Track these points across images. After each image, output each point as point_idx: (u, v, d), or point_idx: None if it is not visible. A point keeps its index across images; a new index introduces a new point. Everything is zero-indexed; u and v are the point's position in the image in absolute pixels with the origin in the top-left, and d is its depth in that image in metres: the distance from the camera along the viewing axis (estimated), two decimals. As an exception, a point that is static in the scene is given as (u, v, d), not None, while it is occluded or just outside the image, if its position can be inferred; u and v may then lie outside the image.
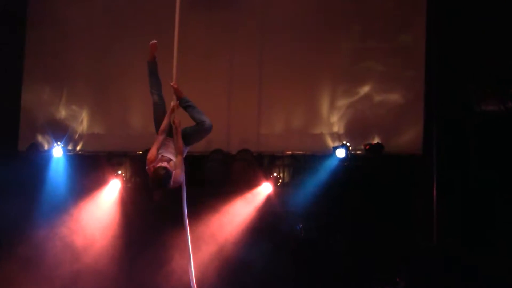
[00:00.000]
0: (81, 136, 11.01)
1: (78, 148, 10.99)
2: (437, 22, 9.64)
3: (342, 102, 10.45)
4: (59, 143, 10.73)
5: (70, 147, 10.93)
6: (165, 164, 6.80)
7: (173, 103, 7.06)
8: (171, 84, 7.06)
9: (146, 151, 10.40)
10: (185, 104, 7.13)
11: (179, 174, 6.92)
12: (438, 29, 9.67)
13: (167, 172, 6.74)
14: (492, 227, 9.23)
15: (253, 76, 10.55)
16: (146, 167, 6.83)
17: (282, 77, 10.54)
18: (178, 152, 7.02)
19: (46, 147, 11.02)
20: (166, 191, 7.27)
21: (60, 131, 10.94)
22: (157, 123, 7.13)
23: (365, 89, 10.39)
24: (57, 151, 10.64)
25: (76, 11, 11.02)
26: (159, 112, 7.20)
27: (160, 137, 7.02)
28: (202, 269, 9.52)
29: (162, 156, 6.97)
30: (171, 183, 6.82)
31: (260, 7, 10.62)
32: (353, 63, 10.42)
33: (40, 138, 11.13)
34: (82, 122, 11.04)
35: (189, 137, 7.13)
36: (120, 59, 10.78)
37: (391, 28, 10.26)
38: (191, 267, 7.24)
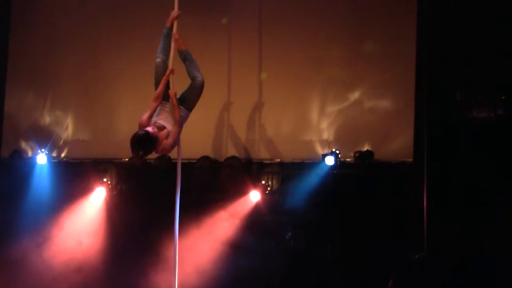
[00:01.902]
0: (66, 143, 11.03)
1: (62, 155, 11.01)
2: (428, 29, 9.71)
3: (332, 109, 10.50)
4: (43, 149, 10.75)
5: (54, 154, 10.96)
6: (150, 129, 6.93)
7: (170, 67, 7.29)
8: (173, 33, 7.30)
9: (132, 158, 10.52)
10: (184, 56, 7.35)
11: (169, 143, 7.09)
12: (429, 36, 9.74)
13: (147, 136, 6.88)
14: (483, 235, 9.27)
15: (242, 83, 10.62)
16: None
17: (271, 83, 10.60)
18: (174, 122, 7.17)
19: (29, 153, 11.05)
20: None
21: (44, 137, 10.97)
22: (157, 83, 7.31)
23: (355, 95, 10.45)
24: (41, 158, 10.65)
25: (62, 15, 11.08)
26: (159, 72, 7.38)
27: (154, 104, 7.17)
28: (187, 279, 9.53)
29: (155, 122, 7.12)
30: (157, 149, 7.02)
31: (252, 14, 10.67)
32: (343, 69, 10.48)
33: (23, 144, 11.15)
34: (67, 128, 11.06)
35: (186, 100, 7.31)
36: (106, 64, 10.83)
37: (382, 35, 10.33)
38: (175, 272, 7.35)
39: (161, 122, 7.18)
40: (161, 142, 7.07)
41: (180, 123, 7.25)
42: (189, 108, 7.40)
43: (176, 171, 7.69)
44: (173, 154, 10.04)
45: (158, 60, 7.45)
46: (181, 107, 7.30)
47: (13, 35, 11.27)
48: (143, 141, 6.92)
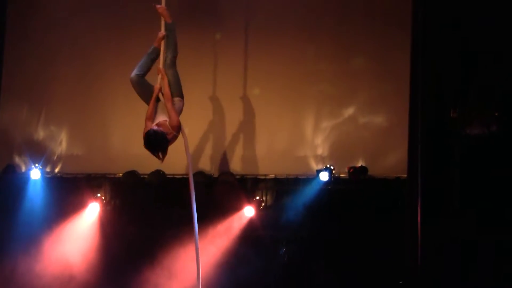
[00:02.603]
0: (59, 158, 11.04)
1: (56, 170, 11.01)
2: (422, 45, 9.77)
3: (326, 124, 10.57)
4: (37, 164, 10.76)
5: (48, 169, 10.96)
6: (154, 127, 7.25)
7: (157, 85, 7.50)
8: (158, 6, 7.56)
9: (127, 174, 10.60)
10: (169, 31, 7.57)
11: (173, 119, 7.33)
12: (423, 52, 9.80)
13: (154, 135, 7.22)
14: (476, 251, 9.32)
15: (236, 98, 10.67)
16: None
17: (265, 99, 10.67)
18: (166, 99, 7.39)
19: (23, 168, 11.04)
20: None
21: (38, 152, 10.98)
22: (142, 97, 7.61)
23: (349, 111, 10.52)
24: (35, 173, 10.65)
25: (57, 30, 11.13)
26: (138, 88, 7.63)
27: (149, 123, 7.43)
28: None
29: (157, 123, 7.40)
30: (169, 137, 7.28)
31: (243, 28, 10.76)
32: (337, 85, 10.56)
33: (17, 159, 11.15)
34: (61, 143, 11.08)
35: (172, 89, 7.49)
36: (101, 79, 10.88)
37: (376, 51, 10.42)
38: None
39: (160, 119, 7.41)
40: (169, 129, 7.32)
41: (171, 98, 7.45)
42: (179, 95, 7.57)
43: (189, 183, 7.94)
44: (168, 169, 10.23)
45: (133, 76, 7.59)
46: (173, 98, 7.50)
47: (8, 49, 11.30)
48: (154, 141, 7.26)
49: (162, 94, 7.56)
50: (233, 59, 10.71)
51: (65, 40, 11.09)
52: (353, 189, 10.24)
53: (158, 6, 7.70)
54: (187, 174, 10.41)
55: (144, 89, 7.65)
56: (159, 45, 7.65)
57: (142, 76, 7.64)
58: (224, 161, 10.72)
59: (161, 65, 7.61)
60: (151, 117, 7.49)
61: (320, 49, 10.59)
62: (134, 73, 7.64)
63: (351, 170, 10.28)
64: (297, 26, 10.63)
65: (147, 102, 7.65)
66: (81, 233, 10.46)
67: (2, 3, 11.23)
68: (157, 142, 7.30)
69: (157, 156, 7.39)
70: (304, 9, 10.63)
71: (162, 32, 7.65)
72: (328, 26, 10.56)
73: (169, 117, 7.41)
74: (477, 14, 9.74)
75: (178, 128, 7.45)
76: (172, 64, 7.63)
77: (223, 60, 10.72)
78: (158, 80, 7.62)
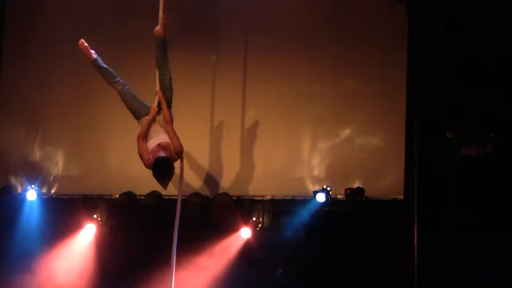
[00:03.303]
0: (56, 179, 11.07)
1: (52, 191, 11.03)
2: (418, 66, 9.86)
3: (323, 145, 10.60)
4: (33, 185, 10.78)
5: (44, 190, 10.97)
6: (161, 153, 7.27)
7: (154, 106, 7.55)
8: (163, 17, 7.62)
9: (123, 195, 10.62)
10: (162, 44, 7.61)
11: (177, 145, 7.37)
12: (419, 73, 9.88)
13: (165, 164, 7.27)
14: (475, 271, 9.35)
15: (233, 118, 10.73)
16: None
17: (262, 119, 10.73)
18: (166, 122, 7.44)
19: (19, 189, 11.07)
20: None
21: (34, 173, 11.01)
22: (132, 111, 7.63)
23: (346, 132, 10.57)
24: (31, 194, 10.68)
25: (53, 51, 11.21)
26: (128, 99, 7.67)
27: (142, 142, 7.47)
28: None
29: (159, 145, 7.38)
30: (174, 160, 7.33)
31: (240, 49, 10.85)
32: (334, 106, 10.62)
33: (13, 180, 11.18)
34: (57, 164, 11.11)
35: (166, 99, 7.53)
36: (97, 100, 10.92)
37: (372, 73, 10.49)
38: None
39: (160, 139, 7.46)
40: (173, 154, 7.41)
41: (171, 122, 7.52)
42: (170, 106, 7.62)
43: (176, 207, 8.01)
44: (164, 190, 10.23)
45: (118, 87, 7.72)
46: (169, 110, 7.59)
47: (5, 70, 11.40)
48: (165, 170, 7.28)
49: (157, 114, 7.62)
50: (230, 80, 10.79)
51: (62, 61, 11.16)
52: (350, 210, 10.25)
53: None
54: (184, 195, 10.49)
55: (132, 103, 7.70)
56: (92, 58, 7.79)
57: (121, 81, 7.75)
58: (220, 182, 10.76)
59: (157, 87, 7.66)
60: (145, 136, 7.51)
61: (316, 70, 10.65)
62: (117, 87, 7.73)
63: (348, 191, 10.30)
64: (293, 47, 10.70)
65: (136, 116, 7.68)
66: (77, 254, 10.47)
67: (0, 23, 11.33)
68: (167, 170, 7.32)
69: (163, 183, 7.38)
70: (300, 31, 10.72)
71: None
72: (324, 48, 10.64)
73: (173, 143, 7.43)
74: (473, 35, 9.86)
75: (181, 153, 7.50)
76: (169, 79, 7.67)
77: (220, 81, 10.78)
78: (155, 101, 7.67)
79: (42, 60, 11.26)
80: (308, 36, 10.69)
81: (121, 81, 7.74)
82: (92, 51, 7.83)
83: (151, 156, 7.39)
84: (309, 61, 10.66)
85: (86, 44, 7.84)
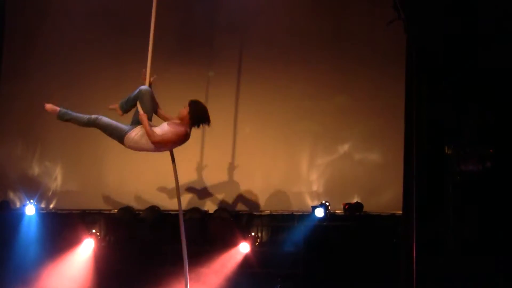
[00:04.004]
0: (54, 194, 11.12)
1: (51, 206, 11.07)
2: (417, 82, 9.90)
3: (322, 161, 10.66)
4: (31, 200, 10.82)
5: (43, 205, 11.02)
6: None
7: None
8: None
9: (122, 210, 10.64)
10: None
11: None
12: (418, 88, 9.93)
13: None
14: (472, 287, 9.38)
15: (231, 134, 10.79)
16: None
17: (260, 135, 10.80)
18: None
19: (18, 204, 11.11)
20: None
21: (33, 188, 11.06)
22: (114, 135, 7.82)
23: (344, 148, 10.62)
24: (30, 209, 10.71)
25: (51, 65, 11.28)
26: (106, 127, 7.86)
27: (159, 133, 7.62)
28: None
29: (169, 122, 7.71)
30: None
31: (238, 63, 10.93)
32: (332, 122, 10.69)
33: (11, 195, 11.23)
34: (56, 179, 11.15)
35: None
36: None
37: (371, 89, 10.56)
38: None
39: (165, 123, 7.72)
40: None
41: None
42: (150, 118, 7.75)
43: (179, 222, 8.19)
44: (163, 205, 10.31)
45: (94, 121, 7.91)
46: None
47: (3, 86, 11.46)
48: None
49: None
50: (226, 96, 10.85)
51: (60, 78, 11.24)
52: (349, 226, 10.29)
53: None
54: (183, 210, 10.52)
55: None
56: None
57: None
58: (219, 197, 10.80)
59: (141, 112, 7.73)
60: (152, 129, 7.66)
61: (313, 86, 10.71)
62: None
63: (347, 207, 10.33)
64: (290, 63, 10.79)
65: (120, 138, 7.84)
66: (75, 269, 10.48)
67: (-2, 40, 11.45)
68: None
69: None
70: (297, 47, 10.81)
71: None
72: (321, 63, 10.70)
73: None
74: (472, 51, 9.93)
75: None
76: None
77: (216, 97, 10.84)
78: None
79: (40, 77, 11.33)
80: (305, 52, 10.77)
81: (91, 117, 7.83)
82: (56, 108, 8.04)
83: (175, 128, 7.63)
84: (307, 77, 10.72)
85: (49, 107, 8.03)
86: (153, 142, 7.55)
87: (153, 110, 7.79)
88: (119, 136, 7.72)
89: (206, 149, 10.82)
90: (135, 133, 7.65)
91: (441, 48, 9.91)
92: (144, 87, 7.82)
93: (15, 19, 11.58)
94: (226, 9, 10.99)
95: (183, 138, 7.68)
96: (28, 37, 11.51)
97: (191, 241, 10.40)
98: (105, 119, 7.78)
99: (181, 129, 7.62)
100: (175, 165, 8.09)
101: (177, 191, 8.15)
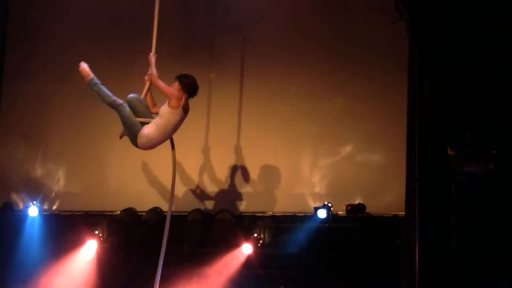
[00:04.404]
0: (57, 195, 11.16)
1: (54, 207, 11.12)
2: (419, 83, 9.91)
3: (324, 162, 10.68)
4: (34, 202, 10.85)
5: (46, 206, 11.06)
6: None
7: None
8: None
9: (124, 211, 10.65)
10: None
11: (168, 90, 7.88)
12: (420, 89, 9.94)
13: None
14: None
15: (233, 135, 10.81)
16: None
17: (262, 136, 10.81)
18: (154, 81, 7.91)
19: (21, 206, 11.15)
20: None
21: (36, 189, 11.10)
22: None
23: (347, 149, 10.64)
24: (33, 211, 10.75)
25: (53, 69, 11.31)
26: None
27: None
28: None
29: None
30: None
31: (240, 64, 10.96)
32: (335, 123, 10.70)
33: (14, 196, 11.26)
34: (59, 181, 11.20)
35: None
36: (98, 117, 10.98)
37: (373, 90, 10.58)
38: None
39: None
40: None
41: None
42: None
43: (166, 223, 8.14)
44: (165, 206, 10.33)
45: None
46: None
47: (6, 88, 11.50)
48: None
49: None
50: (228, 97, 10.88)
51: (62, 80, 11.26)
52: (351, 227, 10.30)
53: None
54: (185, 212, 10.57)
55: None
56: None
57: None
58: (221, 198, 10.81)
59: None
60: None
61: (316, 87, 10.75)
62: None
63: (349, 208, 10.34)
64: (293, 64, 10.82)
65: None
66: (78, 270, 10.50)
67: (1, 42, 11.46)
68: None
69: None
70: (300, 49, 10.84)
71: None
72: (324, 65, 10.74)
73: (167, 96, 7.82)
74: (474, 52, 9.93)
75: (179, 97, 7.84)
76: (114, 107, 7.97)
77: (218, 98, 10.87)
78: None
79: (42, 79, 11.38)
80: (308, 53, 10.80)
81: (117, 101, 7.97)
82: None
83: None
84: (308, 78, 10.75)
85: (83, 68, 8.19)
86: (172, 98, 7.74)
87: (146, 113, 7.93)
88: (133, 132, 7.84)
89: (208, 150, 10.84)
90: (147, 130, 7.78)
91: (443, 48, 9.91)
92: (130, 95, 7.96)
93: (18, 21, 11.63)
94: (228, 10, 11.01)
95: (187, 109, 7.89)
96: (31, 39, 11.55)
97: (193, 243, 10.49)
98: (128, 110, 7.86)
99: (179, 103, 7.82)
100: (174, 152, 8.13)
101: (173, 176, 8.20)
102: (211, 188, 10.81)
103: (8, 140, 11.40)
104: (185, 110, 7.86)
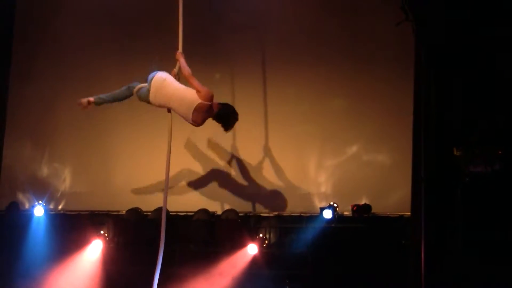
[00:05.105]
0: (63, 195, 11.20)
1: (60, 207, 11.16)
2: (425, 85, 9.92)
3: (330, 162, 10.70)
4: (40, 201, 10.89)
5: (51, 206, 11.09)
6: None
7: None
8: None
9: (130, 211, 10.67)
10: None
11: (203, 89, 8.06)
12: (426, 90, 9.95)
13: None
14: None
15: (239, 135, 10.81)
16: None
17: (268, 136, 10.81)
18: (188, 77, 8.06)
19: (27, 205, 11.19)
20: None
21: (42, 189, 11.14)
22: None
23: (353, 149, 10.65)
24: (39, 210, 10.79)
25: (60, 68, 11.35)
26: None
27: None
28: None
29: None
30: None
31: (248, 64, 10.99)
32: (341, 124, 10.73)
33: (20, 196, 11.30)
34: (65, 181, 11.23)
35: None
36: (104, 117, 11.02)
37: (380, 91, 10.62)
38: None
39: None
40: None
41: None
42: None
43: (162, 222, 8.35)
44: (171, 207, 10.35)
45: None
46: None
47: (13, 87, 11.54)
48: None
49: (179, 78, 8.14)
50: (236, 97, 10.87)
51: (68, 81, 11.32)
52: (357, 227, 10.33)
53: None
54: (191, 211, 10.59)
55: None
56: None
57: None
58: (227, 198, 10.84)
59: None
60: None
61: (322, 88, 10.79)
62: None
63: (355, 208, 10.37)
64: (300, 66, 10.86)
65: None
66: (84, 270, 10.51)
67: (8, 42, 11.50)
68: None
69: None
70: (308, 49, 10.87)
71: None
72: (331, 65, 10.78)
73: (199, 91, 7.91)
74: (480, 52, 9.93)
75: (211, 97, 7.99)
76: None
77: (225, 98, 10.86)
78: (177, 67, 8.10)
79: (49, 80, 11.42)
80: (316, 54, 10.84)
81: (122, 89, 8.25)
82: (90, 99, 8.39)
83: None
84: (314, 78, 10.79)
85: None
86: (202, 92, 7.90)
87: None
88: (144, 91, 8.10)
89: (214, 151, 10.86)
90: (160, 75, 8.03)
91: (450, 49, 9.91)
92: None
93: (24, 23, 11.66)
94: (235, 11, 11.02)
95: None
96: (37, 40, 11.59)
97: (199, 243, 10.50)
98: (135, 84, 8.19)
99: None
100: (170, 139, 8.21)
101: (167, 164, 8.25)
102: (217, 188, 10.83)
103: (15, 140, 11.44)
104: (208, 113, 7.99)
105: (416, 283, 9.62)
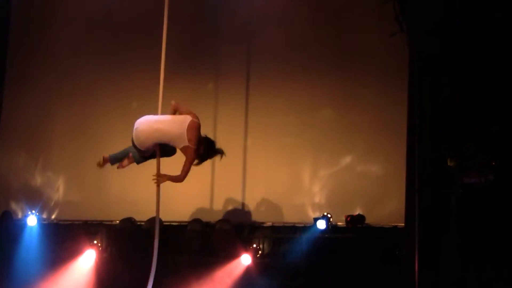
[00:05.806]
0: (56, 204, 11.19)
1: (53, 216, 11.15)
2: (419, 94, 9.94)
3: (324, 173, 10.71)
4: (33, 211, 10.88)
5: (45, 216, 11.09)
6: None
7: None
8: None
9: (123, 221, 10.66)
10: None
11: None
12: (420, 100, 9.97)
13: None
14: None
15: (235, 145, 10.80)
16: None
17: (263, 147, 10.84)
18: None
19: (20, 215, 11.18)
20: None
21: (35, 198, 11.14)
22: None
23: (347, 160, 10.66)
24: (32, 220, 10.78)
25: (55, 78, 11.37)
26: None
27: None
28: None
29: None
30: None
31: (241, 75, 11.00)
32: (335, 134, 10.74)
33: (14, 205, 11.28)
34: (58, 190, 11.22)
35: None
36: (98, 126, 11.04)
37: (374, 102, 10.64)
38: None
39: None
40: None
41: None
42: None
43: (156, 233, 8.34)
44: (165, 216, 10.34)
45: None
46: None
47: (7, 96, 11.54)
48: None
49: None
50: (230, 108, 10.94)
51: (63, 89, 11.34)
52: (351, 238, 10.32)
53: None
54: (185, 221, 10.58)
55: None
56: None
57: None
58: (221, 208, 10.84)
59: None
60: None
61: (316, 97, 10.80)
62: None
63: (349, 219, 10.37)
64: (293, 76, 10.90)
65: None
66: (77, 280, 10.52)
67: (2, 50, 11.49)
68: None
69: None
70: (301, 60, 10.89)
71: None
72: (325, 76, 10.80)
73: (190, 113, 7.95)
74: (474, 63, 9.96)
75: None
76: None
77: (220, 109, 10.91)
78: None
79: (43, 88, 11.44)
80: (309, 64, 10.85)
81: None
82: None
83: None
84: (308, 89, 10.82)
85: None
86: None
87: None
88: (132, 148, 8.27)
89: (208, 160, 10.85)
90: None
91: (444, 60, 9.94)
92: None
93: (19, 30, 11.68)
94: (231, 21, 11.05)
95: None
96: (32, 48, 11.61)
97: (192, 253, 10.48)
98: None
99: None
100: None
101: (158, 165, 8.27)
102: (211, 198, 10.83)
103: (8, 148, 11.45)
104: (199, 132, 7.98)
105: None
